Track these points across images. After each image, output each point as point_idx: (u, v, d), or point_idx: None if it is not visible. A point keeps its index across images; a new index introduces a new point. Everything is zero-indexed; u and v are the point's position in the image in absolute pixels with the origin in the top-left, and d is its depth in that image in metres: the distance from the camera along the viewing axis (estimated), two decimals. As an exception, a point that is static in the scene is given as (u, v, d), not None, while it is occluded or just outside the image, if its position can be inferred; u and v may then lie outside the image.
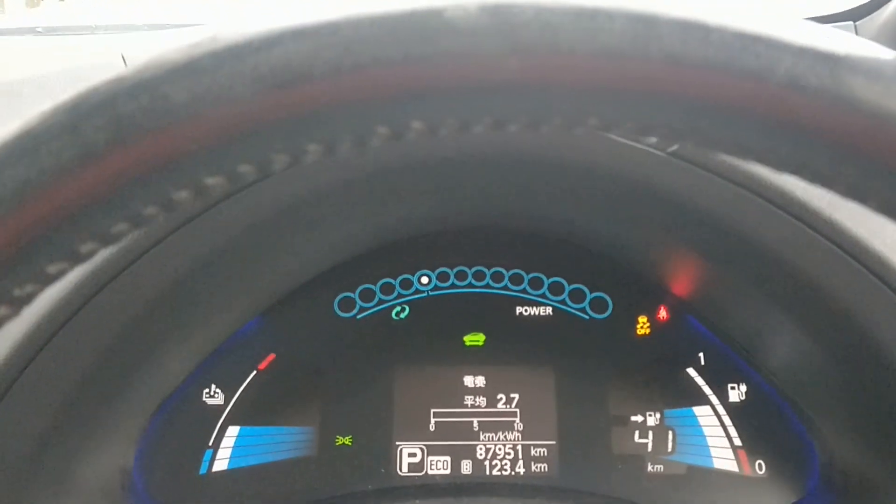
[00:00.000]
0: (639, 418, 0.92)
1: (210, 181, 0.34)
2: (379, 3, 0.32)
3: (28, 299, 0.35)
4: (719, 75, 0.32)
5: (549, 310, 0.96)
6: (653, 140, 0.35)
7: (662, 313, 0.95)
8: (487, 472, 0.91)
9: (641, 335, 0.95)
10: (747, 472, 0.89)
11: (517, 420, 0.93)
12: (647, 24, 0.32)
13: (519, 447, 0.92)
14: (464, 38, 0.31)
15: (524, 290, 0.97)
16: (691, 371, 0.93)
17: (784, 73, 0.31)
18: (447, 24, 0.31)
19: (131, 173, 0.32)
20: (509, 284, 0.97)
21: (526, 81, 0.32)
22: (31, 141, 0.32)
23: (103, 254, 0.40)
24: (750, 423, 0.90)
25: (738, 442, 0.90)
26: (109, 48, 1.01)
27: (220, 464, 0.89)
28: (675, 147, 0.66)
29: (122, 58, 0.91)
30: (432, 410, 0.93)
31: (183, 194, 0.34)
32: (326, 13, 0.32)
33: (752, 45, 0.32)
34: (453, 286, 0.97)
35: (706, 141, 0.34)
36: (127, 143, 0.32)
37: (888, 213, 0.34)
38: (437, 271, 0.97)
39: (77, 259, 0.34)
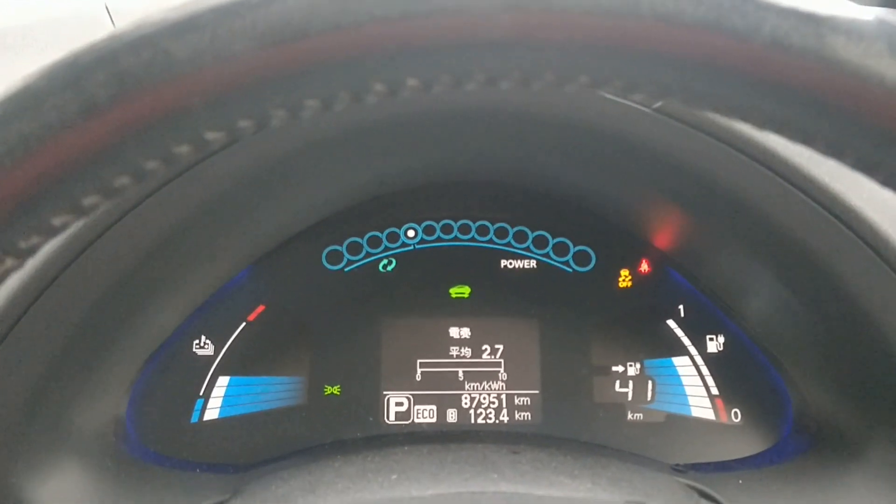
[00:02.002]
0: (620, 368, 0.94)
1: (210, 136, 0.34)
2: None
3: (32, 251, 0.35)
4: (707, 34, 0.33)
5: (533, 263, 0.97)
6: (640, 96, 0.36)
7: (644, 266, 0.97)
8: (472, 421, 0.93)
9: (623, 287, 0.96)
10: (724, 419, 0.92)
11: (501, 370, 0.94)
12: None
13: (503, 396, 0.94)
14: None
15: (509, 244, 0.98)
16: (671, 322, 0.95)
17: (769, 33, 0.32)
18: None
19: (133, 128, 0.33)
20: (494, 238, 0.98)
21: (519, 38, 0.33)
22: (35, 97, 0.32)
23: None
24: (727, 372, 0.93)
25: (715, 391, 0.93)
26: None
27: (212, 413, 0.90)
28: (659, 103, 0.67)
29: (106, 8, 0.90)
30: (418, 361, 0.94)
31: (184, 148, 0.34)
32: (325, -30, 0.32)
33: (740, 5, 0.32)
34: (439, 239, 0.98)
35: (693, 98, 0.35)
36: (129, 99, 0.32)
37: (864, 168, 0.36)
38: (423, 224, 0.98)
39: (81, 212, 0.35)
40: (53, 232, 0.35)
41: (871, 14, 0.33)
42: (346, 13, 0.32)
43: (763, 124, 0.36)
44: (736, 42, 0.33)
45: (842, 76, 0.33)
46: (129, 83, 0.32)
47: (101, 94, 0.31)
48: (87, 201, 0.35)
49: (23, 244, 0.35)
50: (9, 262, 0.35)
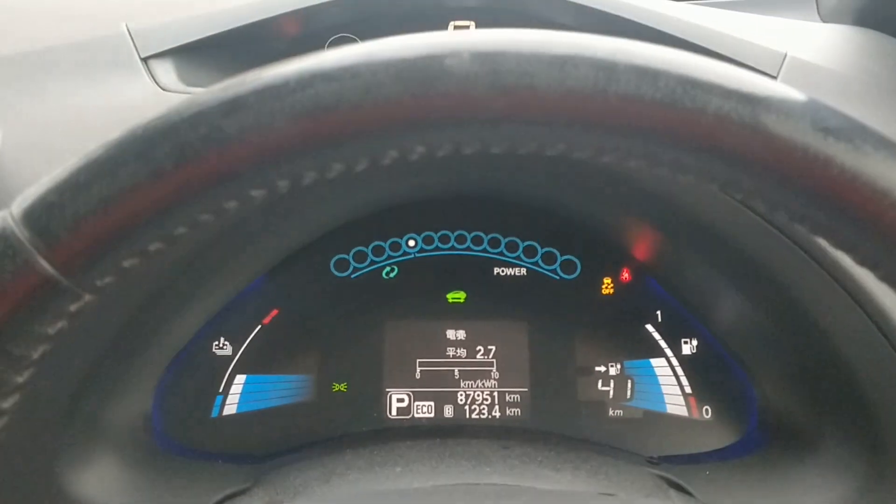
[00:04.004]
0: (602, 368, 1.00)
1: (255, 193, 0.41)
2: (392, 48, 0.39)
3: (107, 288, 0.42)
4: (663, 113, 0.39)
5: (523, 270, 1.03)
6: (608, 160, 0.42)
7: (625, 275, 1.02)
8: (467, 416, 0.99)
9: (606, 294, 1.02)
10: (696, 416, 0.98)
11: (494, 369, 1.00)
12: (607, 70, 0.39)
13: (495, 394, 0.99)
14: (459, 81, 0.38)
15: (501, 253, 1.03)
16: (649, 327, 1.01)
17: (713, 112, 0.39)
18: (446, 70, 0.38)
19: (192, 189, 0.39)
20: (488, 247, 1.03)
21: (508, 116, 0.39)
22: (112, 164, 0.39)
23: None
24: (699, 373, 0.99)
25: (688, 390, 0.99)
26: (110, 15, 0.98)
27: (230, 408, 0.96)
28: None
29: (127, 29, 0.94)
30: (418, 360, 1.00)
31: (232, 203, 0.41)
32: (350, 58, 0.39)
33: (690, 89, 0.39)
34: (437, 248, 1.03)
35: (653, 162, 0.42)
36: (189, 166, 0.38)
37: (795, 220, 0.42)
38: (423, 235, 1.03)
39: (147, 256, 0.42)
40: (124, 273, 0.42)
41: (800, 95, 0.40)
42: (368, 96, 0.38)
43: (711, 183, 0.43)
44: (686, 118, 0.39)
45: (774, 148, 0.39)
46: (189, 153, 0.37)
47: (166, 163, 0.38)
48: (153, 247, 0.41)
49: (99, 283, 0.41)
50: (87, 297, 0.42)
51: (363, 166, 0.42)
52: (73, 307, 0.42)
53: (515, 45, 0.39)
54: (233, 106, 0.39)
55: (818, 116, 0.39)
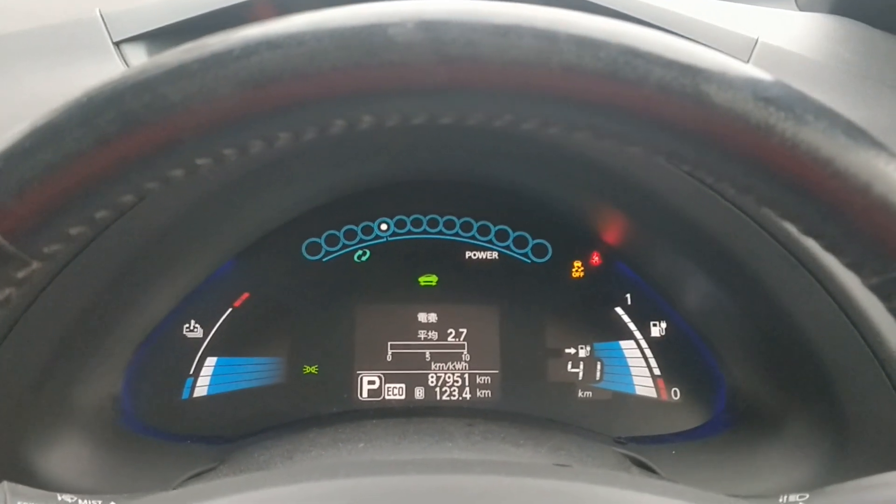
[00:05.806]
0: (572, 350, 1.00)
1: (200, 161, 0.41)
2: (337, 17, 0.39)
3: (54, 256, 0.42)
4: (605, 83, 0.39)
5: (495, 254, 1.04)
6: (554, 131, 0.43)
7: (595, 259, 1.03)
8: (438, 398, 0.99)
9: (576, 278, 1.03)
10: (664, 398, 0.99)
11: (465, 352, 1.01)
12: (549, 40, 0.39)
13: (466, 375, 1.00)
14: (403, 50, 0.38)
15: (473, 236, 1.04)
16: (619, 310, 1.02)
17: (655, 82, 0.39)
18: (390, 38, 0.38)
19: (136, 156, 0.39)
20: (460, 231, 1.04)
21: (452, 86, 0.40)
22: (56, 131, 0.39)
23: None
24: (668, 355, 1.00)
25: (657, 372, 1.00)
26: (83, -1, 0.99)
27: (200, 390, 0.97)
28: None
29: (100, 13, 0.94)
30: (389, 343, 1.01)
31: (178, 172, 0.41)
32: (295, 25, 0.39)
33: (632, 60, 0.39)
34: (410, 232, 1.04)
35: (598, 133, 0.42)
36: (133, 133, 0.38)
37: (740, 192, 0.42)
38: (395, 219, 1.03)
39: (93, 224, 0.42)
40: (71, 240, 0.42)
41: (740, 66, 0.40)
42: (312, 63, 0.38)
43: (656, 153, 0.43)
44: (628, 89, 0.39)
45: (715, 117, 0.39)
46: (133, 120, 0.38)
47: (110, 130, 0.38)
48: (99, 215, 0.41)
49: (46, 250, 0.41)
50: (34, 264, 0.42)
51: (311, 135, 0.42)
52: (20, 274, 0.42)
53: (460, 14, 0.39)
54: (177, 73, 0.39)
55: (759, 86, 0.40)
